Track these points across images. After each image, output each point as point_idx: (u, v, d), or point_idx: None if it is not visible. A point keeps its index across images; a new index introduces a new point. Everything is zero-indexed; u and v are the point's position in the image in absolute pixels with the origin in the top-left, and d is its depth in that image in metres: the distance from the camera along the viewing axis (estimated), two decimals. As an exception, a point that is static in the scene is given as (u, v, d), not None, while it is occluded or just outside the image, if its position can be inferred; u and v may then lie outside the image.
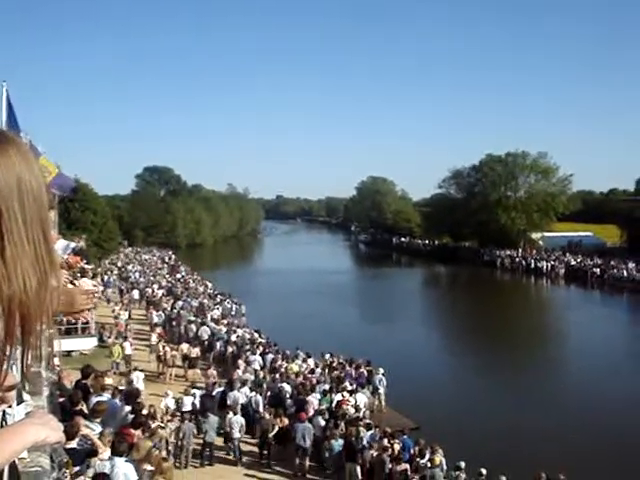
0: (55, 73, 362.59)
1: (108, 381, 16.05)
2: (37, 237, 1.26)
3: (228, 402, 21.63)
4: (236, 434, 19.56)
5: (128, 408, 14.35)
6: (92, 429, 10.36)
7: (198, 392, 22.49)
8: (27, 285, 1.22)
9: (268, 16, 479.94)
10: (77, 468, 9.05)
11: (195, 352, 29.36)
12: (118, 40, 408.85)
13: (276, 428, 19.78)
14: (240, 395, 22.14)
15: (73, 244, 11.50)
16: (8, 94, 14.32)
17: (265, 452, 19.72)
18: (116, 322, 33.88)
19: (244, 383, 23.58)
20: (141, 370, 24.78)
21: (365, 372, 26.52)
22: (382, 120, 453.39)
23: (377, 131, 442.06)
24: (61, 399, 10.85)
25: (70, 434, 9.27)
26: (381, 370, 25.98)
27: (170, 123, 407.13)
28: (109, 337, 31.40)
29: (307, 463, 19.13)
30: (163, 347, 29.10)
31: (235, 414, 20.11)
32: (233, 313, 42.23)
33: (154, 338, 31.09)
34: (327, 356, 29.52)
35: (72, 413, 10.56)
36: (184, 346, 30.04)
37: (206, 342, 32.79)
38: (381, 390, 25.58)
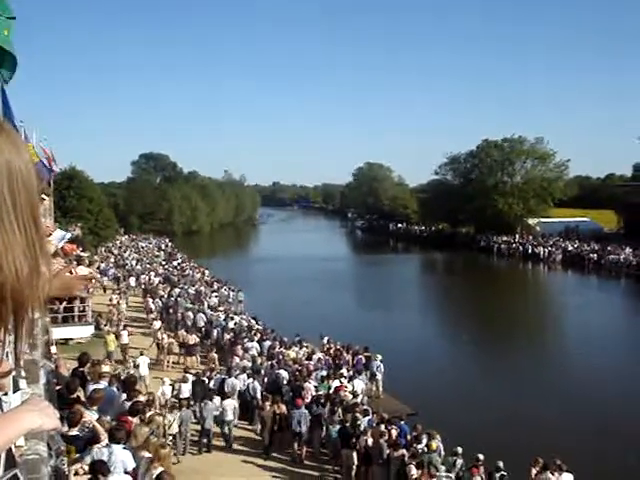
0: (50, 61, 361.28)
1: (105, 369, 16.06)
2: (28, 223, 1.26)
3: (226, 389, 21.67)
4: (229, 417, 19.64)
5: (125, 395, 14.38)
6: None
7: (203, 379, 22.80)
8: (19, 271, 1.22)
9: (262, 4, 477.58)
10: (87, 455, 9.11)
11: (192, 339, 29.39)
12: (114, 28, 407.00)
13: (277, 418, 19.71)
14: (237, 382, 22.19)
15: (69, 235, 11.47)
16: (2, 83, 14.19)
17: (268, 443, 19.45)
18: (109, 310, 33.81)
19: (242, 370, 23.64)
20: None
21: (363, 358, 26.55)
22: (379, 106, 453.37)
23: (374, 117, 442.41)
24: (58, 387, 10.85)
25: (73, 422, 9.30)
26: (379, 356, 26.02)
27: (166, 110, 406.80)
28: (106, 325, 31.39)
29: (304, 449, 19.20)
30: (161, 334, 29.22)
31: (224, 398, 20.25)
32: (230, 300, 42.25)
33: (157, 325, 31.14)
34: (325, 339, 29.63)
35: (70, 401, 10.57)
36: (181, 333, 30.12)
37: (203, 329, 32.84)
38: (379, 376, 25.64)
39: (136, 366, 24.06)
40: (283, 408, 20.06)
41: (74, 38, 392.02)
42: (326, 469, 18.90)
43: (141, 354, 25.40)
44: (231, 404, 20.04)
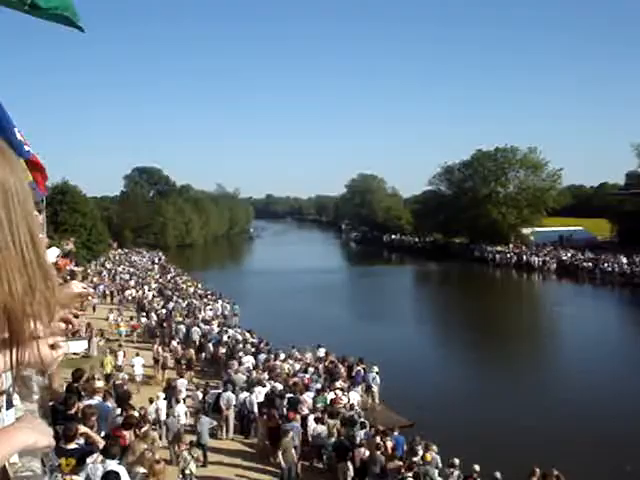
0: (43, 76, 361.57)
1: (99, 384, 16.00)
2: (24, 241, 1.26)
3: (221, 403, 21.61)
4: (182, 421, 19.58)
5: (119, 410, 14.34)
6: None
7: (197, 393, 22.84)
8: (12, 289, 1.22)
9: (257, 17, 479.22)
10: (81, 471, 9.06)
11: (189, 353, 29.30)
12: (106, 42, 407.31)
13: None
14: (233, 396, 22.09)
15: (58, 251, 11.39)
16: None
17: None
18: (96, 328, 33.49)
19: (237, 384, 23.58)
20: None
21: (362, 370, 26.47)
22: (372, 117, 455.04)
23: (367, 128, 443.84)
24: (51, 403, 10.81)
25: (69, 437, 9.26)
26: (375, 368, 25.97)
27: (158, 123, 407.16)
28: (100, 341, 31.21)
29: (299, 463, 19.04)
30: (157, 349, 29.17)
31: (219, 413, 20.30)
32: (226, 313, 42.16)
33: (174, 343, 31.03)
34: (321, 350, 29.66)
35: (67, 417, 10.52)
36: (174, 347, 30.11)
37: (197, 343, 32.73)
38: (375, 388, 25.58)
39: (132, 366, 24.61)
40: (278, 422, 19.98)
41: (68, 51, 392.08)
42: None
43: (137, 355, 25.62)
44: (182, 408, 20.28)
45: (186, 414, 20.60)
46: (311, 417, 20.26)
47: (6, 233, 1.23)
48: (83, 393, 13.64)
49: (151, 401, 20.47)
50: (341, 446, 18.11)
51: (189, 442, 16.99)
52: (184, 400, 21.63)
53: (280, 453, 18.23)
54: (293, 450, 18.20)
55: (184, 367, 28.00)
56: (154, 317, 38.05)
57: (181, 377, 25.02)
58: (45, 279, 1.32)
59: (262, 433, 20.63)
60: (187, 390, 23.85)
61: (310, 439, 19.75)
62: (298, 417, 19.86)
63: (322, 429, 19.59)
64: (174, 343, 30.85)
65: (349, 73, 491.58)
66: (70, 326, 2.18)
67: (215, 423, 20.38)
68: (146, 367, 27.90)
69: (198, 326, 34.71)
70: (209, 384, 24.64)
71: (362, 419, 20.51)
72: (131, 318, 39.07)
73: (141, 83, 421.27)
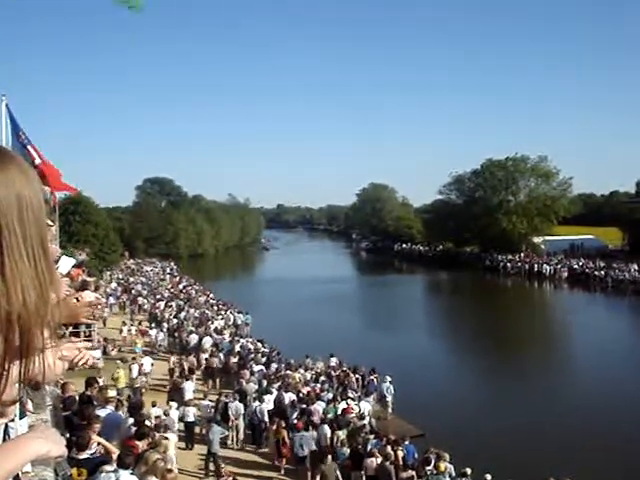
0: (54, 85, 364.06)
1: (111, 393, 16.05)
2: (37, 253, 1.27)
3: (229, 413, 21.57)
4: (191, 418, 20.05)
5: (132, 420, 14.35)
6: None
7: (205, 403, 22.81)
8: (27, 300, 1.24)
9: (266, 23, 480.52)
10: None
11: (213, 362, 29.42)
12: (116, 50, 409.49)
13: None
14: (241, 406, 22.06)
15: (73, 261, 11.45)
16: (9, 108, 14.19)
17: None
18: (118, 340, 33.54)
19: (248, 393, 23.57)
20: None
21: (375, 380, 26.45)
22: (382, 127, 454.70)
23: (377, 138, 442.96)
24: (64, 412, 10.83)
25: (82, 445, 9.29)
26: (388, 378, 25.88)
27: (170, 134, 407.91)
28: (112, 350, 31.35)
29: (309, 473, 18.99)
30: (172, 359, 29.36)
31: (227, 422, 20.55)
32: (239, 323, 42.12)
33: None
34: (333, 359, 29.65)
35: (79, 427, 10.55)
36: (191, 358, 30.19)
37: (209, 352, 32.74)
38: (389, 398, 25.49)
39: (140, 365, 25.51)
40: (284, 433, 19.91)
41: (81, 61, 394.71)
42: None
43: (144, 353, 25.64)
44: (192, 410, 20.92)
45: (195, 417, 20.85)
46: (324, 426, 20.23)
47: (20, 245, 1.24)
48: (95, 402, 13.68)
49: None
50: (354, 455, 18.06)
51: (223, 471, 16.61)
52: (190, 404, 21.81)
53: (319, 478, 17.93)
54: (338, 474, 17.65)
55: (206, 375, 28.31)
56: (165, 326, 38.06)
57: (187, 380, 25.09)
58: (56, 291, 1.34)
59: (273, 443, 20.62)
60: (195, 398, 23.95)
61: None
62: (310, 427, 19.83)
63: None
64: (202, 355, 30.84)
65: (359, 82, 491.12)
66: (97, 308, 2.21)
67: (226, 433, 20.40)
68: (160, 379, 27.95)
69: (210, 336, 34.73)
70: (225, 394, 24.57)
71: (373, 428, 20.48)
72: (140, 323, 39.24)
73: (152, 94, 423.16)
